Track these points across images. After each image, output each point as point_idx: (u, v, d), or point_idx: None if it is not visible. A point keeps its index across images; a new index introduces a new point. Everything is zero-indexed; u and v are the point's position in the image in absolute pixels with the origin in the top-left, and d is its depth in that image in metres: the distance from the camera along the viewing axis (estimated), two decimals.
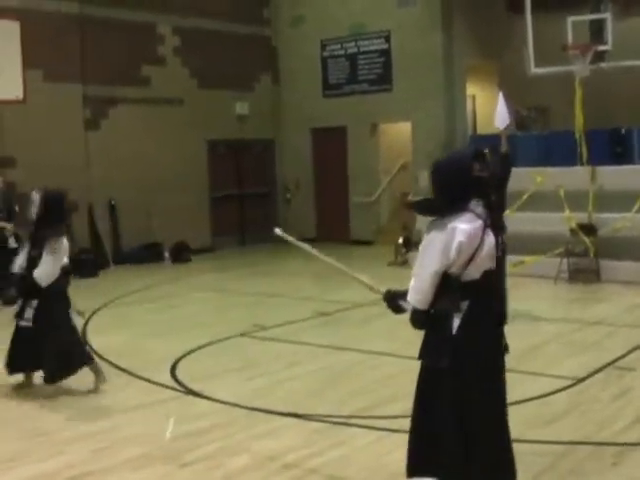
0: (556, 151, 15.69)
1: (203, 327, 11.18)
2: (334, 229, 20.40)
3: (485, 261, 4.93)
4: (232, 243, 20.33)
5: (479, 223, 4.90)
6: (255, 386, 8.24)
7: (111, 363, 9.29)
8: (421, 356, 5.14)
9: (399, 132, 19.58)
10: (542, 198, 14.20)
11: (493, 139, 17.92)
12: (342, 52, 20.22)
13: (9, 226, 14.15)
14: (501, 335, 5.14)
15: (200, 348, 9.89)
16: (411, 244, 16.03)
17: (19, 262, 8.36)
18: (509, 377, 7.83)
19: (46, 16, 16.67)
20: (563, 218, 13.91)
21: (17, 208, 14.40)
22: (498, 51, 19.17)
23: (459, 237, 4.83)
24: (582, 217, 13.90)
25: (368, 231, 19.63)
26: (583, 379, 8.00)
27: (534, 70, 15.69)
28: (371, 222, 19.70)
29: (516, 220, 13.94)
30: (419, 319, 5.06)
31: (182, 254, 18.24)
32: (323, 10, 20.34)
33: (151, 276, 16.26)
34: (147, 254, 18.24)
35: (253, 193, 21.08)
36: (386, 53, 19.38)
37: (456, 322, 4.93)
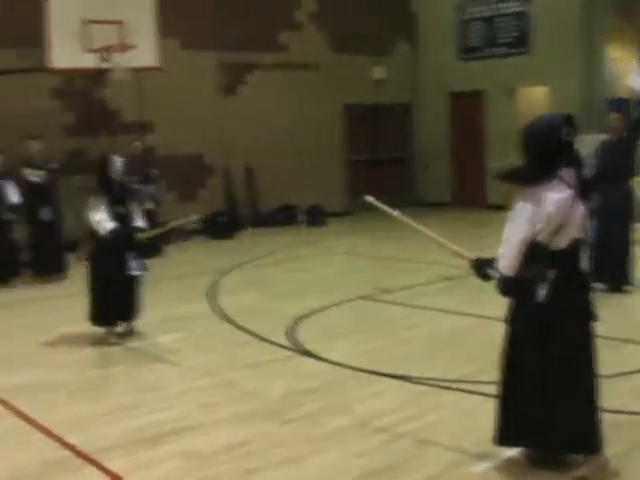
0: None
1: (327, 289, 11.37)
2: (470, 194, 20.25)
3: (573, 230, 4.91)
4: (368, 206, 20.37)
5: (569, 192, 4.86)
6: (368, 348, 8.35)
7: (234, 323, 9.61)
8: (507, 322, 5.15)
9: (537, 96, 19.14)
10: None
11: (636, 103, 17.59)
12: (480, 15, 19.90)
13: (147, 189, 14.64)
14: (589, 303, 5.08)
15: (321, 310, 10.08)
16: None
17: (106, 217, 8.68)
18: (626, 348, 7.78)
19: None
20: None
21: (154, 172, 14.92)
22: None
23: (548, 207, 4.82)
24: None
25: (504, 196, 19.29)
26: None
27: None
28: (508, 187, 19.36)
29: None
30: (506, 286, 5.06)
31: (317, 217, 18.47)
32: None
33: (285, 239, 16.56)
34: (283, 217, 18.59)
35: (390, 157, 21.11)
36: (525, 16, 18.97)
37: (542, 290, 4.93)
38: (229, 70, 18.09)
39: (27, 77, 14.50)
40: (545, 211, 4.81)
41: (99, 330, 9.06)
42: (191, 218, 9.59)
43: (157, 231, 9.44)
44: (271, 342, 8.70)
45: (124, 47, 13.95)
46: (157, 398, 7.12)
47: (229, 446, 5.92)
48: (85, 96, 16.02)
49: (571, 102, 17.51)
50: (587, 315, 5.06)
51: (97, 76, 14.90)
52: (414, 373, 7.36)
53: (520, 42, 19.13)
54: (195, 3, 17.37)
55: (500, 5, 19.43)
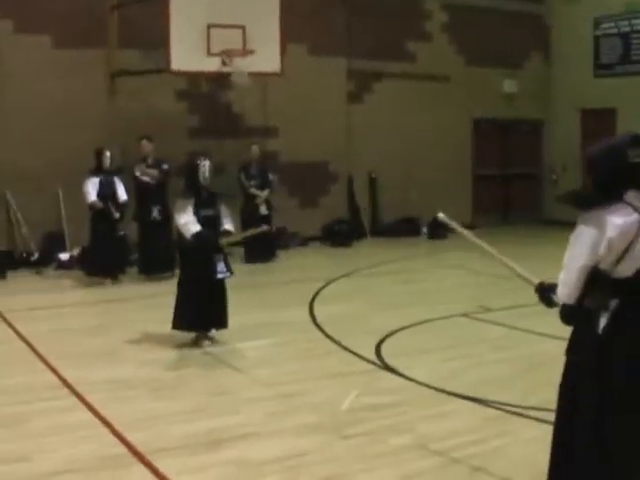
0: None
1: (429, 303, 11.14)
2: None
3: (639, 259, 4.51)
4: (494, 222, 19.99)
5: (635, 217, 4.45)
6: (451, 367, 8.09)
7: (325, 332, 9.52)
8: (567, 352, 4.81)
9: None
10: None
11: None
12: (615, 31, 19.22)
13: (262, 194, 14.72)
14: None
15: (416, 325, 9.87)
16: None
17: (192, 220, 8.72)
18: None
19: None
20: None
21: (272, 177, 14.97)
22: None
23: (610, 232, 4.41)
24: None
25: None
26: None
27: None
28: None
29: None
30: (567, 314, 4.72)
31: (438, 230, 18.13)
32: None
33: (402, 250, 16.38)
34: (404, 228, 18.37)
35: (518, 173, 20.63)
36: None
37: (603, 321, 4.54)
38: (357, 77, 18.01)
39: (152, 78, 14.78)
40: (607, 236, 4.42)
41: (182, 333, 9.07)
42: (264, 228, 9.53)
43: (238, 236, 9.33)
44: (355, 354, 8.55)
45: (245, 52, 14.07)
46: (224, 403, 7.09)
47: (281, 457, 5.82)
48: (210, 99, 16.21)
49: None
50: None
51: (222, 80, 15.03)
52: (492, 396, 7.07)
53: None
54: (324, 9, 17.34)
55: (636, 21, 18.68)
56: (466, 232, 5.60)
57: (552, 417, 6.33)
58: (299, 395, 7.26)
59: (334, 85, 17.63)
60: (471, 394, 7.14)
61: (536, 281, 4.94)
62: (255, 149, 15.01)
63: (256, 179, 14.84)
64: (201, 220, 8.77)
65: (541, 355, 8.52)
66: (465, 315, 10.39)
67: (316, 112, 17.24)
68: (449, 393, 7.21)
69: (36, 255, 14.41)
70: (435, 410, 6.82)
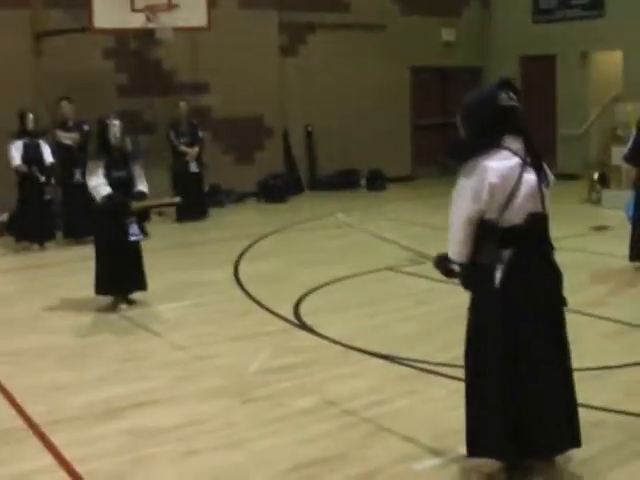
0: None
1: (357, 258, 11.00)
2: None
3: (527, 203, 4.40)
4: (434, 173, 19.84)
5: (515, 161, 4.38)
6: (368, 324, 7.98)
7: (245, 291, 9.37)
8: (469, 311, 4.70)
9: (611, 61, 18.21)
10: None
11: None
12: None
13: (192, 151, 14.46)
14: (554, 286, 4.58)
15: (340, 280, 9.74)
16: (607, 181, 15.02)
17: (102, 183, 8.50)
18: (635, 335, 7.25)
19: None
20: None
21: (200, 134, 14.70)
22: None
23: (490, 178, 4.34)
24: None
25: (575, 165, 18.47)
26: None
27: None
28: (579, 156, 18.55)
29: None
30: (465, 275, 4.62)
31: (377, 182, 18.01)
32: None
33: (339, 203, 16.16)
34: (343, 181, 18.16)
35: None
36: None
37: (499, 274, 4.43)
38: (289, 30, 17.63)
39: (79, 37, 14.37)
40: (487, 182, 4.33)
41: (103, 297, 8.88)
42: (176, 199, 9.26)
43: (148, 203, 9.06)
44: (274, 313, 8.42)
45: (169, 7, 13.67)
46: (133, 369, 6.93)
47: (178, 425, 5.68)
48: (139, 56, 15.82)
49: None
50: (552, 299, 4.56)
51: (149, 36, 14.63)
52: (405, 354, 6.96)
53: (594, 4, 18.14)
54: None
55: None
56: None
57: (461, 374, 6.29)
58: (209, 358, 7.12)
59: (266, 38, 17.24)
60: (384, 351, 7.03)
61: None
62: (183, 105, 14.69)
63: (185, 136, 14.54)
64: (113, 181, 8.54)
65: (461, 307, 8.41)
66: (392, 269, 10.26)
67: (249, 66, 16.88)
68: (361, 351, 7.11)
69: None
70: (345, 370, 6.70)
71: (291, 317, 8.24)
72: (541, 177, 4.47)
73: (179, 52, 15.92)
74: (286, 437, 5.41)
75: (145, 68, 15.89)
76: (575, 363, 6.37)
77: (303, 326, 7.93)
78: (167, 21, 13.79)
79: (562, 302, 4.63)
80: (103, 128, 8.70)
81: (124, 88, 15.74)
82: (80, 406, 6.09)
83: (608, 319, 7.89)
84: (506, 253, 4.43)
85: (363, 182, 18.25)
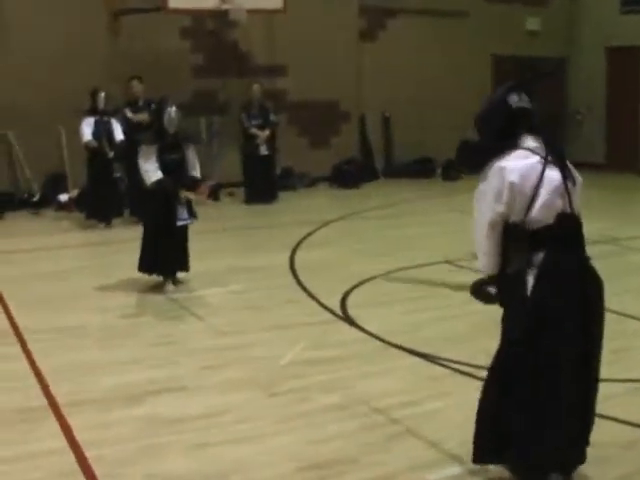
0: None
1: (416, 249, 10.78)
2: (624, 157, 18.88)
3: (553, 201, 4.13)
4: None
5: (534, 159, 4.15)
6: (413, 320, 7.71)
7: (297, 278, 9.24)
8: (502, 321, 4.39)
9: None
10: None
11: None
12: None
13: (263, 134, 14.37)
14: (592, 295, 4.22)
15: (394, 272, 9.51)
16: None
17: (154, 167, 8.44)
18: None
19: None
20: None
21: (273, 117, 14.59)
22: None
23: (509, 176, 4.11)
24: None
25: None
26: None
27: None
28: None
29: None
30: (497, 286, 4.32)
31: (452, 172, 17.67)
32: None
33: (412, 192, 15.94)
34: (418, 169, 17.92)
35: (541, 113, 19.86)
36: None
37: (530, 279, 4.13)
38: (369, 14, 17.41)
39: (155, 17, 14.39)
40: (508, 181, 4.10)
41: (152, 278, 8.84)
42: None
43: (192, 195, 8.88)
44: (319, 303, 8.24)
45: None
46: (165, 354, 6.83)
47: (199, 415, 5.54)
48: (215, 37, 15.78)
49: None
50: (589, 307, 4.21)
51: (225, 17, 14.55)
52: (446, 353, 6.70)
53: None
54: None
55: None
56: None
57: None
58: (244, 347, 6.96)
59: (345, 22, 17.05)
60: (424, 350, 6.78)
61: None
62: (256, 88, 14.61)
63: (257, 119, 14.47)
64: (166, 164, 8.49)
65: None
66: (449, 262, 9.98)
67: (326, 50, 16.72)
68: (400, 348, 6.86)
69: (37, 196, 14.27)
70: (379, 366, 6.46)
71: (336, 309, 8.03)
72: (566, 175, 4.19)
73: (256, 34, 15.92)
74: (303, 435, 5.22)
75: (221, 49, 15.87)
76: (621, 374, 6.14)
77: (346, 319, 7.73)
78: (241, 2, 13.72)
79: (601, 313, 4.29)
80: (159, 112, 8.64)
81: (199, 69, 15.74)
82: (105, 388, 6.02)
83: None
84: (537, 257, 4.14)
85: (439, 171, 17.89)
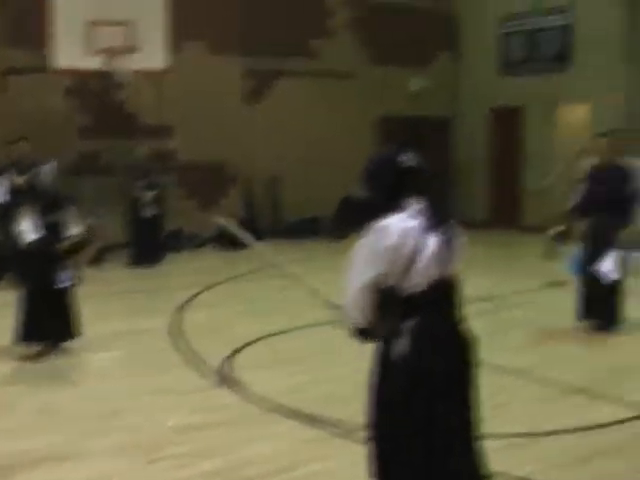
0: None
1: (301, 310, 10.65)
2: (506, 214, 19.47)
3: (429, 268, 4.09)
4: None
5: (416, 222, 4.13)
6: (296, 381, 7.71)
7: (179, 342, 9.20)
8: (369, 380, 4.34)
9: (578, 114, 18.22)
10: None
11: None
12: (522, 28, 19.07)
13: (148, 195, 14.32)
14: (463, 360, 4.24)
15: (281, 333, 9.54)
16: (568, 236, 14.87)
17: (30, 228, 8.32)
18: (574, 397, 7.07)
19: None
20: None
21: (158, 178, 14.57)
22: None
23: (388, 240, 4.06)
24: None
25: (540, 218, 18.37)
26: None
27: None
28: (544, 209, 18.47)
29: None
30: (361, 337, 4.30)
31: (341, 229, 17.80)
32: None
33: (299, 251, 16.00)
34: (306, 229, 18.04)
35: (429, 173, 20.30)
36: (566, 29, 18.09)
37: (401, 345, 4.11)
38: (256, 75, 17.61)
39: (42, 76, 14.32)
40: (387, 244, 4.05)
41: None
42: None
43: (76, 240, 8.79)
44: (201, 367, 8.19)
45: (129, 49, 13.66)
46: (42, 423, 6.67)
47: None
48: (102, 97, 15.72)
49: (614, 121, 16.52)
50: (461, 371, 4.24)
51: (112, 77, 14.54)
52: (327, 415, 6.71)
53: (561, 57, 18.25)
54: (223, 5, 16.88)
55: (541, 20, 18.55)
56: (248, 238, 5.32)
57: None
58: (125, 412, 6.86)
59: (232, 83, 17.23)
60: (306, 411, 6.79)
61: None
62: (141, 149, 14.59)
63: (143, 180, 14.40)
64: (46, 225, 8.36)
65: None
66: (332, 323, 9.98)
67: (214, 111, 16.84)
68: (282, 411, 6.87)
69: None
70: (260, 430, 6.45)
71: (219, 372, 7.99)
72: (446, 240, 4.19)
73: (143, 94, 15.85)
74: None
75: (108, 109, 15.82)
76: (503, 428, 6.28)
77: (229, 382, 7.69)
78: (126, 63, 13.74)
79: (473, 376, 4.30)
80: (38, 173, 8.56)
81: (85, 129, 15.66)
82: None
83: (546, 381, 7.69)
84: (408, 324, 4.12)
85: (325, 231, 18.06)
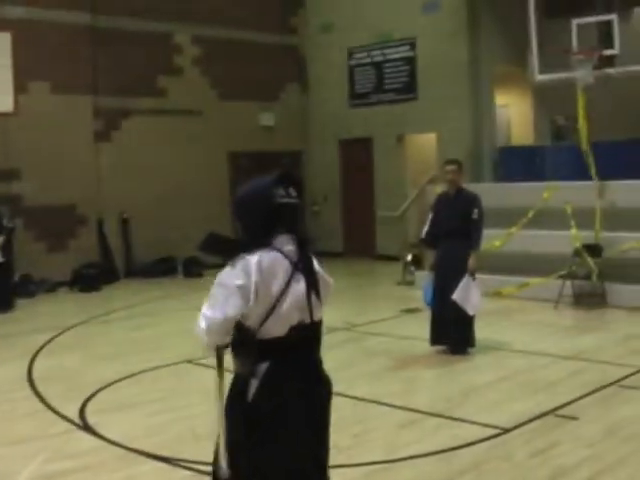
0: (566, 164, 14.77)
1: (158, 350, 10.69)
2: (361, 243, 19.83)
3: (290, 314, 3.89)
4: None
5: (284, 264, 3.91)
6: (154, 422, 7.62)
7: (34, 389, 8.93)
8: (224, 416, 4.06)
9: (426, 143, 18.76)
10: (549, 215, 13.37)
11: (524, 151, 17.27)
12: (368, 60, 19.52)
13: None
14: (316, 404, 4.03)
15: (135, 375, 9.39)
16: (421, 262, 15.27)
17: None
18: (431, 421, 7.22)
19: (55, 27, 16.45)
20: (570, 237, 12.97)
21: (7, 222, 14.21)
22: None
23: (252, 279, 3.81)
24: (591, 237, 12.97)
25: (393, 247, 18.77)
26: (508, 430, 7.06)
27: (539, 77, 14.78)
28: (397, 237, 18.87)
29: (522, 238, 13.30)
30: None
31: (194, 269, 17.75)
32: (351, 17, 19.67)
33: (153, 291, 15.86)
34: (160, 268, 17.87)
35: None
36: (412, 61, 18.60)
37: (253, 387, 3.88)
38: (104, 115, 17.38)
39: None
40: (253, 281, 3.81)
41: None
42: None
43: None
44: (58, 413, 7.98)
45: None
46: None
47: None
48: None
49: (459, 149, 17.08)
50: (313, 419, 4.02)
51: None
52: (188, 454, 6.64)
53: (407, 88, 18.75)
54: (69, 44, 16.65)
55: (387, 50, 19.03)
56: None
57: None
58: None
59: (80, 124, 16.94)
60: (166, 453, 6.71)
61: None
62: None
63: None
64: None
65: None
66: (190, 361, 9.95)
67: (62, 152, 16.55)
68: (142, 453, 6.76)
69: None
70: (120, 474, 6.34)
71: (75, 417, 7.81)
72: (312, 284, 3.99)
73: None
74: None
75: None
76: (364, 456, 6.36)
77: (85, 427, 7.53)
78: None
79: (326, 419, 4.13)
80: None
81: None
82: None
83: (404, 408, 7.83)
84: (262, 367, 3.89)
85: (180, 269, 17.92)
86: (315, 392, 4.03)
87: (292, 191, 4.02)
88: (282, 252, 3.91)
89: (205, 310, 3.88)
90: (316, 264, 4.10)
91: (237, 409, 3.96)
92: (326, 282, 4.15)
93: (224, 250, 4.02)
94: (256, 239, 3.94)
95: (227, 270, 3.88)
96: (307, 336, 4.00)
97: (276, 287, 3.85)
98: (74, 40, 16.76)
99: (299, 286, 3.92)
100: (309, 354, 4.05)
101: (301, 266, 3.95)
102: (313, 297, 3.98)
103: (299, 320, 3.93)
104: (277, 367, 3.89)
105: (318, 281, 4.05)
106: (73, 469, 6.47)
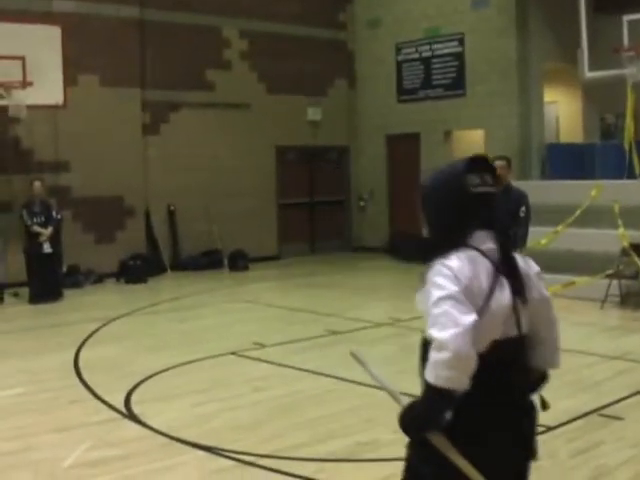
0: (614, 162, 14.62)
1: (203, 342, 10.77)
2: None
3: (495, 326, 3.24)
4: (301, 251, 19.88)
5: (485, 266, 3.27)
6: (199, 413, 7.70)
7: (81, 378, 9.04)
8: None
9: (473, 139, 18.67)
10: (596, 213, 13.24)
11: (573, 149, 17.11)
12: (417, 55, 19.47)
13: (45, 232, 14.08)
14: (520, 432, 3.37)
15: (180, 366, 9.47)
16: None
17: None
18: None
19: (104, 21, 16.62)
20: (617, 236, 12.84)
21: (55, 214, 14.38)
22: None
23: (458, 284, 3.19)
24: (638, 236, 12.84)
25: None
26: (552, 428, 6.96)
27: (588, 74, 14.62)
28: None
29: (568, 236, 13.19)
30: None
31: (239, 262, 17.86)
32: (399, 12, 19.65)
33: (199, 284, 15.96)
34: (206, 261, 17.98)
35: (325, 201, 20.57)
36: (460, 56, 18.52)
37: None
38: (152, 108, 17.54)
39: None
40: (463, 285, 3.21)
41: None
42: None
43: None
44: (104, 402, 8.08)
45: (23, 84, 13.51)
46: None
47: None
48: None
49: (507, 146, 16.99)
50: (516, 447, 3.37)
51: (4, 113, 14.30)
52: (230, 444, 6.72)
53: (455, 84, 18.67)
54: (118, 38, 16.83)
55: (436, 46, 18.97)
56: (376, 373, 3.71)
57: (285, 465, 6.11)
58: (25, 451, 6.73)
59: (128, 117, 17.10)
60: (209, 442, 6.78)
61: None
62: (37, 185, 14.34)
63: (39, 216, 14.17)
64: None
65: (297, 395, 8.30)
66: (234, 353, 10.03)
67: (111, 145, 16.71)
68: (184, 442, 6.83)
69: None
70: (163, 463, 6.41)
71: (120, 406, 7.91)
72: (518, 290, 3.33)
73: (39, 130, 15.70)
74: None
75: (3, 145, 15.53)
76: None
77: (130, 416, 7.62)
78: (21, 98, 13.58)
79: (530, 452, 3.46)
80: None
81: None
82: None
83: None
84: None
85: (226, 262, 18.02)
86: (521, 423, 3.39)
87: (488, 178, 3.39)
88: (481, 251, 3.31)
89: (436, 334, 3.12)
90: (524, 265, 3.45)
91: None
92: (536, 289, 3.46)
93: (419, 252, 3.48)
94: (450, 237, 3.35)
95: (434, 280, 3.22)
96: (511, 354, 3.33)
97: (479, 295, 3.22)
98: (123, 33, 16.92)
99: (504, 295, 3.28)
100: (514, 374, 3.36)
101: (504, 268, 3.31)
102: (520, 305, 3.33)
103: (501, 335, 3.27)
104: (479, 389, 3.17)
105: (525, 286, 3.37)
106: (117, 457, 6.55)
